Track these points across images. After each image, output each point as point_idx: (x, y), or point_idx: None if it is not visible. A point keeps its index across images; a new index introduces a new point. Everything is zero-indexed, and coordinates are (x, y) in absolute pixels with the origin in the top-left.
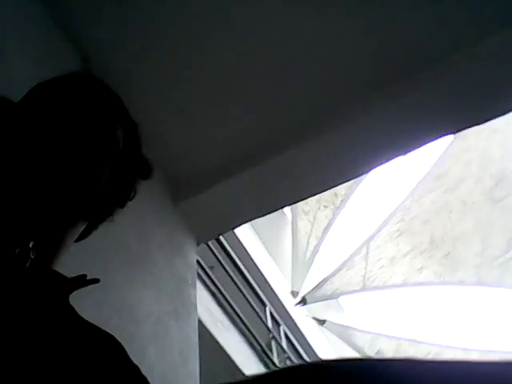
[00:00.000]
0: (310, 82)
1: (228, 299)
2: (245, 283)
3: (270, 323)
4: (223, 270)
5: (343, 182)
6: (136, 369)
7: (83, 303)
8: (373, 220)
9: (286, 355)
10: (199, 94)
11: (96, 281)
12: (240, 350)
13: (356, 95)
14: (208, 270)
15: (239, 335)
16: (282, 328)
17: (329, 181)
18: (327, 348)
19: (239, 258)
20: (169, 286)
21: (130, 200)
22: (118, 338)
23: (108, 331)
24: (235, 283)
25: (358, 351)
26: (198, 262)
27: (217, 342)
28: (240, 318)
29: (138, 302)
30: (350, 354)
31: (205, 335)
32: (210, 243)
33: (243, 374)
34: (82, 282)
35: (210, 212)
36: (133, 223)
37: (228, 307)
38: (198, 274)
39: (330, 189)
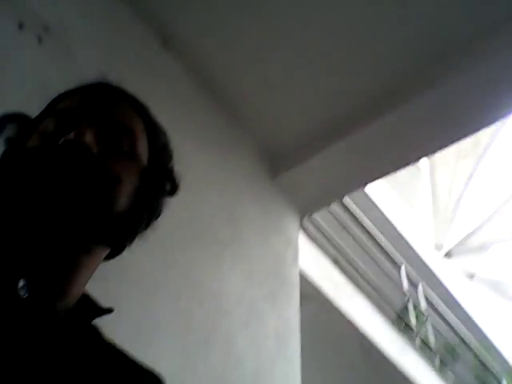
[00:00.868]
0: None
1: (352, 263)
2: (374, 242)
3: (405, 284)
4: (346, 233)
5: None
6: None
7: (155, 297)
8: None
9: (424, 318)
10: (286, 62)
11: (109, 311)
12: (370, 318)
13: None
14: (328, 232)
15: (368, 301)
16: (420, 288)
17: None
18: (477, 303)
19: (367, 216)
20: (263, 267)
21: (157, 219)
22: (202, 330)
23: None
24: (360, 244)
25: None
26: (319, 228)
27: (341, 314)
28: (368, 282)
29: (224, 289)
30: (504, 308)
31: (327, 306)
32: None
33: (375, 345)
34: (91, 314)
35: (312, 183)
36: (224, 204)
37: (353, 271)
38: (316, 240)
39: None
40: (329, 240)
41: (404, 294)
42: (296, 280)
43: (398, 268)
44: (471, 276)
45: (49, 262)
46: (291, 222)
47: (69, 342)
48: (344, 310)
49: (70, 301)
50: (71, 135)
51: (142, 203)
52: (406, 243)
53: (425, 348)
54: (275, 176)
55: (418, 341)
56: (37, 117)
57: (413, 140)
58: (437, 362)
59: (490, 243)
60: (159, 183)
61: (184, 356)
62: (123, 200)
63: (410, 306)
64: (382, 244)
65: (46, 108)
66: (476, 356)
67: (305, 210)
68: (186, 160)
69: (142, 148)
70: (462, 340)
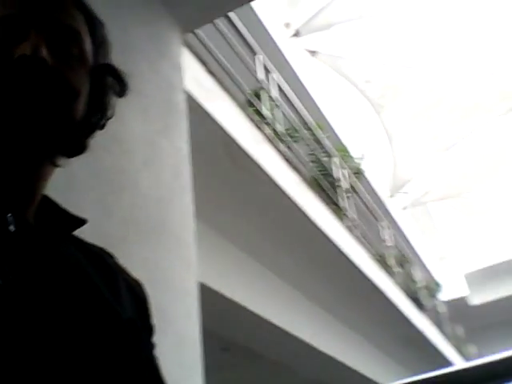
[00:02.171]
0: None
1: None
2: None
3: (260, 73)
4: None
5: None
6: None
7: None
8: None
9: (274, 103)
10: None
11: (84, 222)
12: (231, 116)
13: None
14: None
15: (233, 103)
16: (272, 75)
17: None
18: (317, 79)
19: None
20: (156, 98)
21: (109, 119)
22: (113, 176)
23: (99, 172)
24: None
25: (348, 79)
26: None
27: (208, 115)
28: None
29: (125, 130)
30: (340, 83)
31: (196, 109)
32: None
33: (238, 144)
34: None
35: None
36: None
37: (218, 69)
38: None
39: None
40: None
41: (258, 82)
42: (183, 107)
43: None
44: (313, 53)
45: (20, 176)
46: (176, 42)
47: (60, 255)
48: (211, 112)
49: (34, 208)
50: (27, 50)
51: (96, 107)
52: (263, 27)
53: (275, 138)
54: None
55: (268, 130)
56: None
57: None
58: (282, 147)
59: (335, 23)
60: (108, 83)
61: (100, 204)
62: (81, 108)
63: (264, 96)
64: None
65: None
66: (314, 135)
67: (188, 26)
68: None
69: (88, 47)
70: (304, 122)
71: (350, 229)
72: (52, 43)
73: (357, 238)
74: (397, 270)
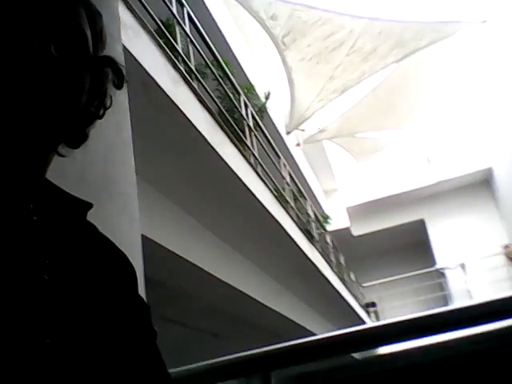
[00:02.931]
0: None
1: None
2: None
3: (174, 7)
4: None
5: None
6: (140, 299)
7: None
8: None
9: (188, 39)
10: None
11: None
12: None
13: None
14: None
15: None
16: (186, 9)
17: None
18: (227, 16)
19: None
20: None
21: (108, 109)
22: None
23: None
24: None
25: (254, 16)
26: None
27: (128, 51)
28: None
29: None
30: (247, 18)
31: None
32: None
33: (154, 79)
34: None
35: None
36: None
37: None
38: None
39: None
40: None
41: (174, 16)
42: (123, 59)
43: None
44: None
45: (32, 164)
46: None
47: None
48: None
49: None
50: (36, 43)
51: (95, 97)
52: None
53: (189, 76)
54: None
55: (182, 67)
56: None
57: None
58: (194, 85)
59: None
60: (107, 75)
61: (57, 163)
62: (84, 99)
63: (177, 28)
64: None
65: None
66: (223, 72)
67: None
68: None
69: (89, 40)
70: (215, 59)
71: (253, 165)
72: (57, 37)
73: (259, 174)
74: (293, 204)
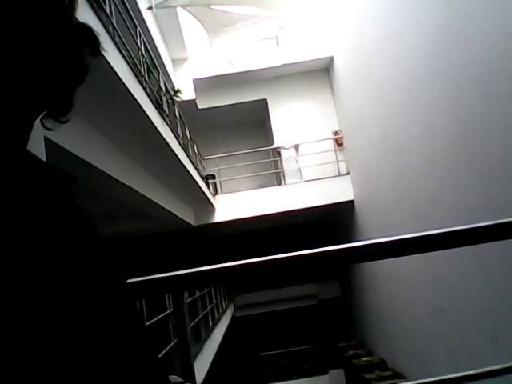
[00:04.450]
0: None
1: None
2: None
3: None
4: None
5: None
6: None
7: None
8: None
9: None
10: None
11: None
12: None
13: None
14: None
15: None
16: None
17: None
18: None
19: None
20: None
21: (86, 75)
22: None
23: None
24: None
25: None
26: None
27: None
28: None
29: None
30: None
31: None
32: None
33: None
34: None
35: None
36: None
37: None
38: None
39: None
40: None
41: None
42: None
43: None
44: None
45: (20, 133)
46: None
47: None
48: None
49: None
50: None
51: (74, 65)
52: None
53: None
54: None
55: None
56: None
57: None
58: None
59: None
60: (84, 43)
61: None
62: (66, 67)
63: None
64: None
65: None
66: None
67: None
68: None
69: (66, 9)
70: None
71: (111, 34)
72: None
73: (116, 43)
74: (147, 77)
